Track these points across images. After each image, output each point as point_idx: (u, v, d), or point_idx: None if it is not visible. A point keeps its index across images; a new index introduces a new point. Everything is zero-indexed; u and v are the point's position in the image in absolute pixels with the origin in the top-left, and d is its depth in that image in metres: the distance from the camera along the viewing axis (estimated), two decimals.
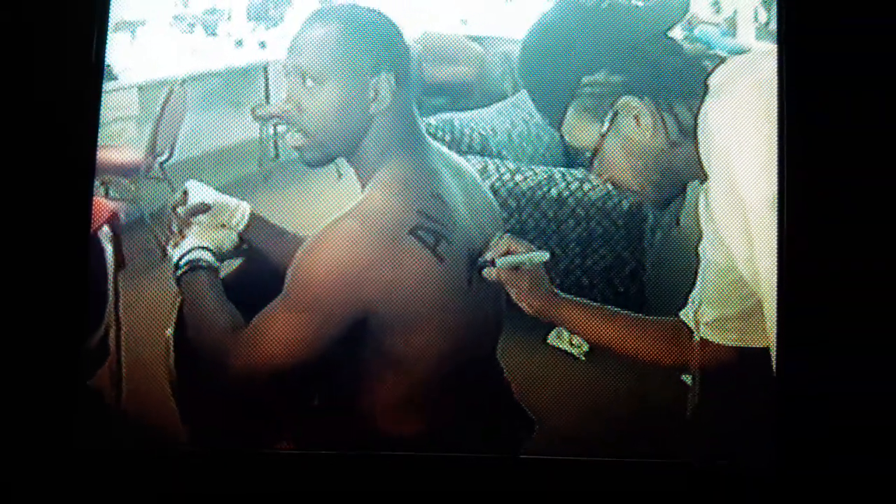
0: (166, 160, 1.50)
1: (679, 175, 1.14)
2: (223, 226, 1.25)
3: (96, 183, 1.34)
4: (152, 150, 1.50)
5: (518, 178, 1.47)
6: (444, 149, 1.25)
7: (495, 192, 1.44)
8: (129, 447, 1.25)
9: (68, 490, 1.23)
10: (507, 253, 1.20)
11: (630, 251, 1.46)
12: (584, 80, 1.13)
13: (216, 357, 1.17)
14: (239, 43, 1.60)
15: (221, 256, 1.24)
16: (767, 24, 1.40)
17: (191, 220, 1.24)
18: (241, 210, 1.25)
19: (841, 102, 1.27)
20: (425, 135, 1.22)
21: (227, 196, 1.26)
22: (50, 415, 1.25)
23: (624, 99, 1.12)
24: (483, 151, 1.53)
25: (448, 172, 1.21)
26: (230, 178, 1.43)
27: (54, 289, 1.27)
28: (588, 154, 1.15)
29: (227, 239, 1.25)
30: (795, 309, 1.18)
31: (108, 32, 1.32)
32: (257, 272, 1.23)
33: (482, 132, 1.54)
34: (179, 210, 1.24)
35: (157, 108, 1.50)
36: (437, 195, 1.17)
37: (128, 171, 1.47)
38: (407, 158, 1.18)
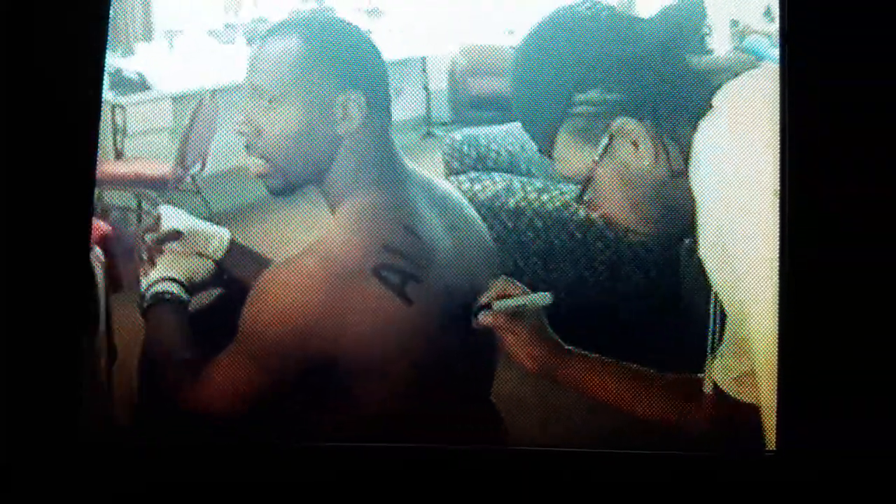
0: (199, 172, 1.50)
1: (683, 209, 1.02)
2: (199, 254, 1.21)
3: (131, 195, 1.36)
4: (182, 162, 1.49)
5: (545, 197, 1.40)
6: (433, 178, 1.18)
7: (521, 211, 1.37)
8: (133, 443, 1.23)
9: (73, 484, 1.22)
10: (504, 296, 1.11)
11: (663, 276, 1.36)
12: (578, 97, 1.03)
13: (173, 396, 1.14)
14: None
15: (194, 287, 1.20)
16: None
17: (162, 247, 1.21)
18: (218, 237, 1.21)
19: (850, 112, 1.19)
20: (404, 162, 1.15)
21: (205, 223, 1.22)
22: (55, 409, 1.24)
23: (620, 120, 1.02)
24: (511, 169, 1.46)
25: (429, 205, 1.13)
26: (240, 200, 1.38)
27: (57, 287, 1.26)
28: (580, 184, 1.05)
29: (202, 268, 1.21)
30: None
31: (108, 45, 1.30)
32: (237, 302, 1.17)
33: (510, 148, 1.47)
34: (148, 237, 1.20)
35: (187, 119, 1.49)
36: (410, 228, 1.09)
37: (158, 183, 1.47)
38: (378, 187, 1.11)
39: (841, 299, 1.16)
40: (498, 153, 1.47)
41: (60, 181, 1.27)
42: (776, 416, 1.07)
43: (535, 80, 1.06)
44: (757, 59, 1.18)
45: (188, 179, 1.50)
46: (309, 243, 1.09)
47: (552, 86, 1.04)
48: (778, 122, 1.02)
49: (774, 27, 1.41)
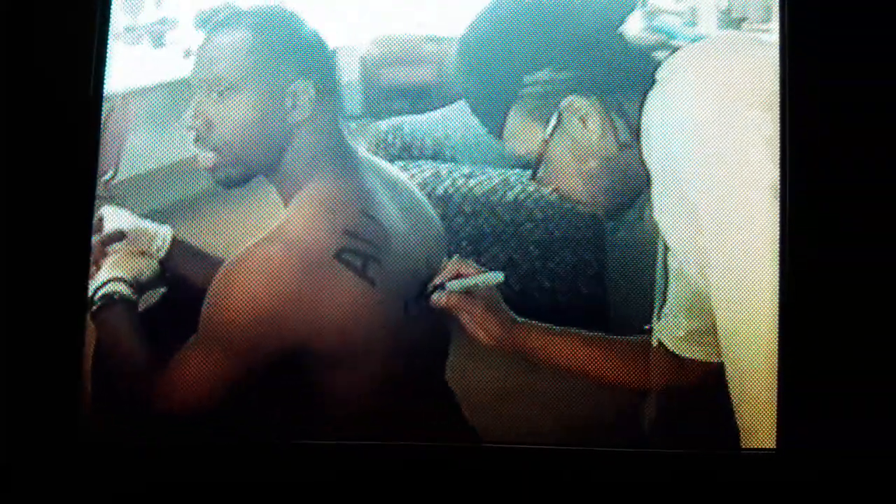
0: (111, 179, 1.45)
1: (631, 180, 1.08)
2: (143, 253, 1.18)
3: None
4: None
5: (472, 182, 1.42)
6: (382, 163, 1.20)
7: (449, 198, 1.39)
8: (133, 443, 1.20)
9: (73, 484, 1.20)
10: (457, 276, 1.14)
11: (592, 252, 1.40)
12: (527, 79, 1.07)
13: (135, 400, 1.11)
14: (187, 53, 1.54)
15: (141, 286, 1.18)
16: (728, 11, 1.35)
17: (106, 249, 1.17)
18: (161, 235, 1.19)
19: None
20: (355, 149, 1.16)
21: (148, 221, 1.20)
22: (55, 409, 1.21)
23: (569, 99, 1.06)
24: (436, 156, 1.48)
25: (383, 189, 1.15)
26: (180, 195, 1.35)
27: (57, 287, 1.22)
28: (532, 162, 1.09)
29: (148, 267, 1.19)
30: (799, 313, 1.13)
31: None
32: (182, 301, 1.16)
33: (435, 137, 1.49)
34: (92, 239, 1.17)
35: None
36: (368, 214, 1.11)
37: None
38: (334, 175, 1.12)
39: (841, 298, 1.19)
40: (423, 141, 1.48)
41: (60, 181, 1.24)
42: (776, 416, 1.10)
43: (483, 64, 1.09)
44: (668, 38, 1.24)
45: (100, 186, 1.44)
46: (268, 231, 1.09)
47: (501, 69, 1.07)
48: (716, 86, 1.05)
49: (683, 6, 1.49)
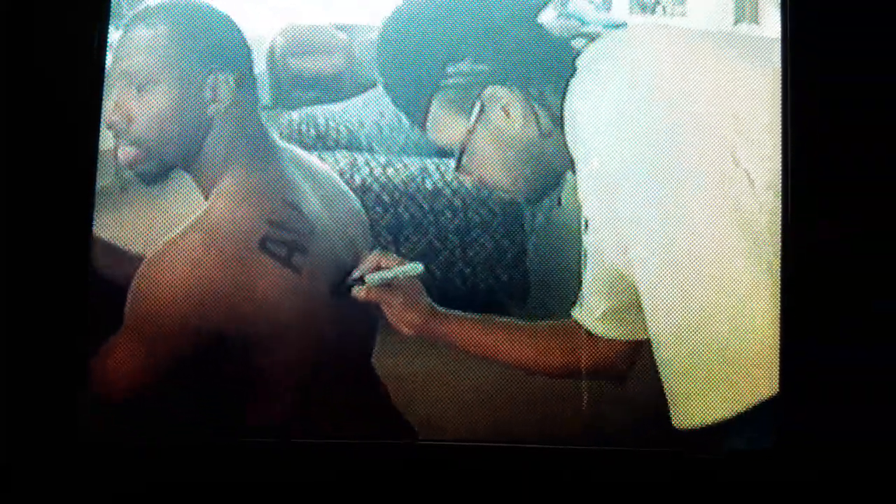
0: None
1: (552, 167, 1.11)
2: None
3: None
4: None
5: (390, 171, 1.42)
6: (302, 153, 1.19)
7: (367, 187, 1.38)
8: (133, 443, 1.19)
9: (73, 484, 1.19)
10: (378, 268, 1.14)
11: (510, 238, 1.42)
12: (449, 69, 1.08)
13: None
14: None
15: None
16: None
17: None
18: None
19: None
20: (275, 140, 1.16)
21: None
22: (55, 409, 1.20)
23: (490, 89, 1.08)
24: (351, 145, 1.47)
25: (304, 179, 1.15)
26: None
27: (56, 287, 1.22)
28: (454, 152, 1.10)
29: None
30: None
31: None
32: (102, 297, 1.16)
33: (349, 125, 1.48)
34: None
35: None
36: (291, 203, 1.11)
37: None
38: (254, 165, 1.12)
39: (841, 297, 1.21)
40: (338, 131, 1.46)
41: (60, 181, 1.23)
42: (776, 414, 1.12)
43: (403, 55, 1.10)
44: (581, 24, 1.26)
45: None
46: (189, 222, 1.08)
47: (422, 60, 1.09)
48: (632, 73, 1.08)
49: None
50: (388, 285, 1.17)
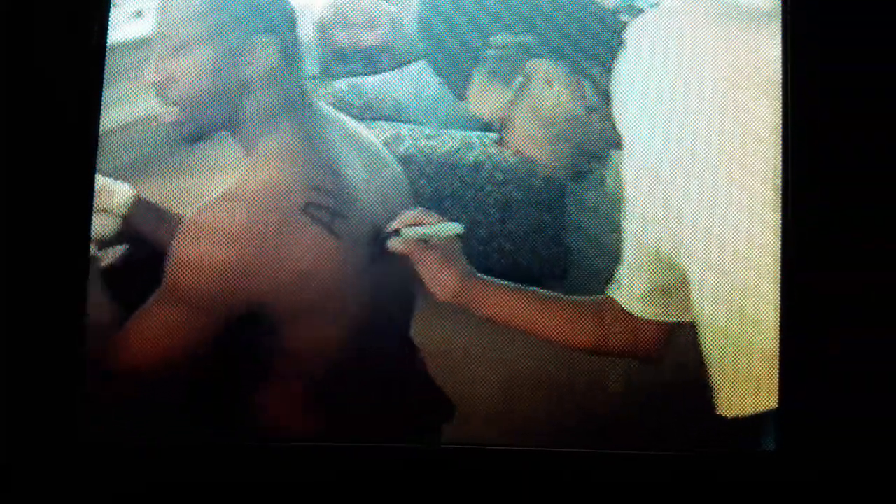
0: None
1: (596, 144, 1.09)
2: (104, 210, 1.17)
3: None
4: None
5: (434, 143, 1.41)
6: (349, 121, 1.19)
7: (410, 158, 1.38)
8: (133, 443, 1.20)
9: (73, 484, 1.20)
10: (416, 224, 1.13)
11: (551, 213, 1.41)
12: (491, 41, 1.06)
13: (95, 358, 1.10)
14: (138, 14, 1.51)
15: (101, 244, 1.16)
16: None
17: None
18: (121, 192, 1.17)
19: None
20: (318, 104, 1.15)
21: (108, 178, 1.18)
22: (55, 409, 1.21)
23: (534, 62, 1.06)
24: (395, 117, 1.46)
25: (346, 143, 1.15)
26: (137, 154, 1.32)
27: (56, 286, 1.22)
28: (496, 125, 1.09)
29: (109, 224, 1.18)
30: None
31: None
32: (145, 258, 1.17)
33: (394, 96, 1.47)
34: None
35: None
36: (332, 167, 1.11)
37: None
38: (294, 128, 1.12)
39: (842, 297, 1.19)
40: (383, 101, 1.46)
41: (60, 181, 1.23)
42: (778, 415, 1.13)
43: (445, 25, 1.08)
44: (628, 1, 1.24)
45: None
46: (228, 186, 1.08)
47: (464, 30, 1.06)
48: (682, 50, 1.05)
49: None
50: (424, 242, 1.15)
